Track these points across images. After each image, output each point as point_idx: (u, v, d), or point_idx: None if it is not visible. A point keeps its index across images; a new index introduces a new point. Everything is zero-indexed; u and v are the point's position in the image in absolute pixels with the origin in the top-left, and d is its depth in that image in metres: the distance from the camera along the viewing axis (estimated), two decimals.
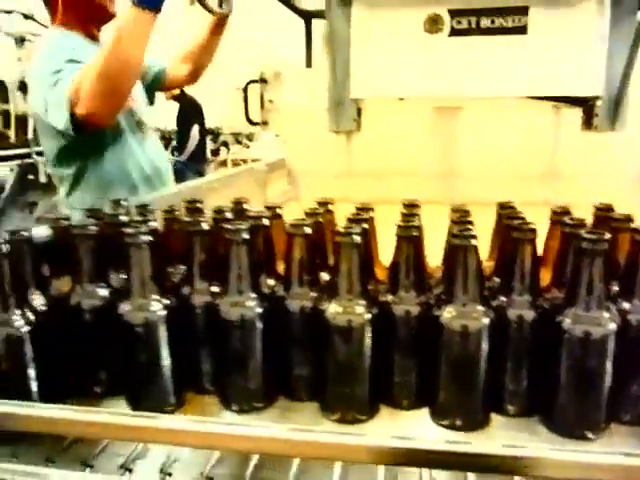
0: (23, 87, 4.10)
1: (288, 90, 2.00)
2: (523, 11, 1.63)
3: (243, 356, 0.72)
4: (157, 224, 0.80)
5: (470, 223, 0.73)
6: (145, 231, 0.70)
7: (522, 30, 1.63)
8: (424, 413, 0.73)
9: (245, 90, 2.05)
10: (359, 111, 1.67)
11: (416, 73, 1.68)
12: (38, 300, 0.74)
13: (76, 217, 1.64)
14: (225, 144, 5.53)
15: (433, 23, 1.67)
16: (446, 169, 2.20)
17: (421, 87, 1.70)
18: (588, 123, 1.88)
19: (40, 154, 3.85)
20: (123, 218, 0.84)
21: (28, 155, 3.81)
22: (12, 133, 4.12)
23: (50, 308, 0.74)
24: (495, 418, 0.71)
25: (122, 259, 0.75)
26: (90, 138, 1.56)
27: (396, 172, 2.15)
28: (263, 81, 2.02)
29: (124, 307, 0.71)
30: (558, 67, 1.62)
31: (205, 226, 0.75)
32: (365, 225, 0.74)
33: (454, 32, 1.61)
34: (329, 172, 1.99)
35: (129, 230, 0.70)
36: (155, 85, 1.90)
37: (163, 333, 0.71)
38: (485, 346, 0.66)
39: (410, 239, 0.70)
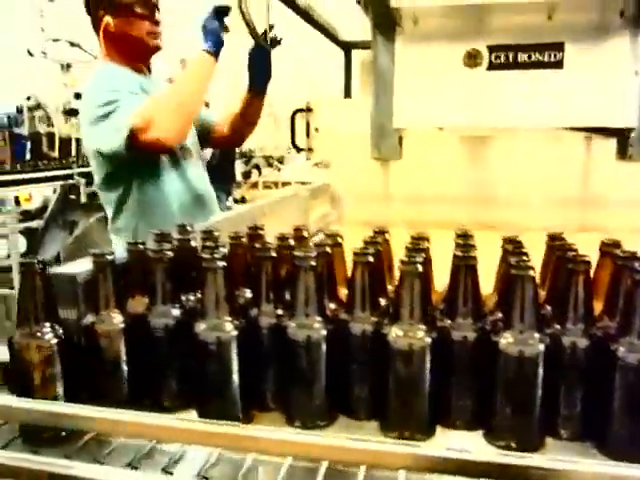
0: (67, 111, 4.28)
1: (331, 118, 2.10)
2: (559, 47, 1.69)
3: (308, 376, 0.77)
4: (226, 250, 0.86)
5: (526, 254, 0.77)
6: (220, 257, 0.76)
7: (558, 65, 1.68)
8: (478, 434, 0.76)
9: (292, 119, 2.18)
10: (400, 139, 1.76)
11: (456, 105, 1.77)
12: (117, 318, 0.81)
13: (120, 241, 1.76)
14: (257, 167, 5.65)
15: (472, 58, 1.75)
16: (480, 195, 2.25)
17: (460, 118, 1.78)
18: (623, 153, 1.95)
19: (82, 175, 4.01)
20: (194, 244, 0.90)
21: (70, 176, 3.97)
22: (56, 155, 4.29)
23: (129, 325, 0.80)
24: (550, 441, 0.74)
25: (195, 281, 0.82)
26: (133, 166, 1.66)
27: (431, 197, 2.21)
28: (309, 110, 2.14)
29: (199, 326, 0.77)
30: (593, 99, 1.69)
31: (274, 253, 0.81)
32: (424, 255, 0.79)
33: (492, 66, 1.69)
34: (369, 196, 2.08)
35: (206, 256, 0.76)
36: (204, 134, 2.00)
37: (235, 352, 0.76)
38: (541, 371, 0.70)
39: (467, 268, 0.75)
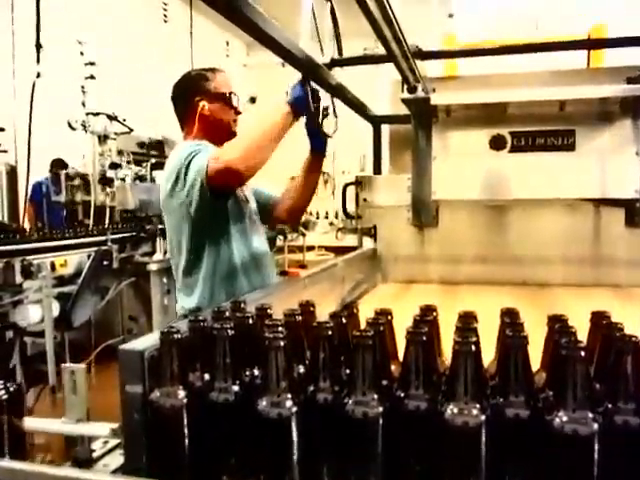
0: (103, 180, 4.47)
1: (373, 191, 2.39)
2: (571, 133, 2.05)
3: (365, 451, 0.80)
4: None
5: (574, 334, 0.81)
6: (283, 336, 0.81)
7: (571, 147, 2.06)
8: None
9: (344, 191, 2.58)
10: (437, 210, 2.02)
11: (485, 180, 2.09)
12: (182, 394, 0.85)
13: (187, 302, 1.85)
14: (282, 232, 5.76)
15: (497, 142, 2.06)
16: (503, 255, 2.45)
17: (489, 191, 2.09)
18: (631, 220, 2.23)
19: (114, 242, 4.14)
20: (252, 320, 0.95)
21: (104, 242, 4.09)
22: (91, 222, 4.44)
23: (196, 399, 0.84)
24: None
25: (255, 356, 0.87)
26: (212, 219, 1.84)
27: (463, 258, 2.37)
28: (359, 183, 2.44)
29: (262, 402, 0.81)
30: (601, 176, 2.06)
31: (330, 332, 0.85)
32: (475, 337, 0.83)
33: (514, 149, 2.08)
34: (407, 258, 2.36)
35: (270, 335, 0.81)
36: (264, 210, 2.13)
37: (295, 429, 0.80)
38: (595, 447, 0.72)
39: (520, 348, 0.79)
